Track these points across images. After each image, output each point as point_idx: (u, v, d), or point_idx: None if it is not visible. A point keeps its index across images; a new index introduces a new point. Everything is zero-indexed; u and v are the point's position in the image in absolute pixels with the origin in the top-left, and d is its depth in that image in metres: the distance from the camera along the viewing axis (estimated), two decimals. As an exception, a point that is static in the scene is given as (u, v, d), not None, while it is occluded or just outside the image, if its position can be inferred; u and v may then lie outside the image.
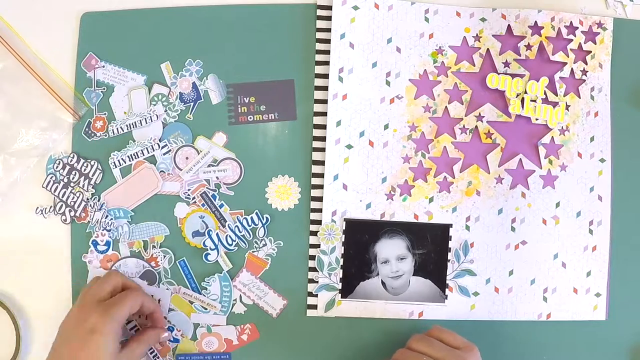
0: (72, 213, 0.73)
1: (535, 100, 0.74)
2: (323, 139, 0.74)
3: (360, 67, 0.74)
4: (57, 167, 0.73)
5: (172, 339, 0.73)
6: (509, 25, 0.75)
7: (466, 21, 0.75)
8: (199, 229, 0.73)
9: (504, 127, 0.75)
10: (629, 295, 0.76)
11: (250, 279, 0.73)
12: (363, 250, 0.74)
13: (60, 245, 0.73)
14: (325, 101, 0.74)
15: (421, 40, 0.75)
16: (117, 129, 0.73)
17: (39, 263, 0.73)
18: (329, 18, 0.74)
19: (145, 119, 0.73)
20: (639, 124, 0.77)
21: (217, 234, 0.73)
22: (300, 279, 0.74)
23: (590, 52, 0.76)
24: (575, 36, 0.75)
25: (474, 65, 0.75)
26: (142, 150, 0.73)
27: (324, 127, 0.74)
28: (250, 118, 0.74)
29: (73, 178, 0.73)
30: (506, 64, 0.75)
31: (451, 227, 0.74)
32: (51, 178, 0.73)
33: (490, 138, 0.75)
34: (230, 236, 0.73)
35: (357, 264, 0.74)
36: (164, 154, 0.73)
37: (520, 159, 0.75)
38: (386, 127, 0.74)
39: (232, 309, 0.73)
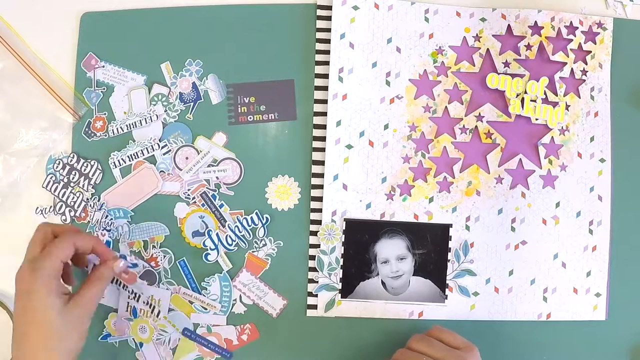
0: (72, 213, 0.73)
1: (535, 100, 0.74)
2: (323, 139, 0.74)
3: (360, 67, 0.74)
4: (57, 167, 0.73)
5: (131, 264, 0.69)
6: (509, 25, 0.75)
7: (466, 21, 0.75)
8: (198, 229, 0.73)
9: (504, 127, 0.75)
10: (629, 295, 0.76)
11: (250, 279, 0.73)
12: (363, 250, 0.74)
13: (60, 245, 0.73)
14: (325, 101, 0.74)
15: (421, 40, 0.75)
16: (117, 129, 0.73)
17: (39, 263, 0.73)
18: (329, 18, 0.74)
19: (145, 119, 0.73)
20: (639, 124, 0.77)
21: (217, 234, 0.73)
22: (300, 279, 0.74)
23: (590, 52, 0.76)
24: (575, 36, 0.75)
25: (474, 65, 0.75)
26: (142, 150, 0.73)
27: (324, 127, 0.74)
28: (250, 118, 0.74)
29: (73, 178, 0.73)
30: (506, 64, 0.75)
31: (451, 227, 0.74)
32: (51, 178, 0.73)
33: (490, 138, 0.75)
34: (230, 236, 0.73)
35: (357, 264, 0.74)
36: (164, 154, 0.73)
37: (520, 159, 0.75)
38: (386, 127, 0.74)
39: (232, 309, 0.73)
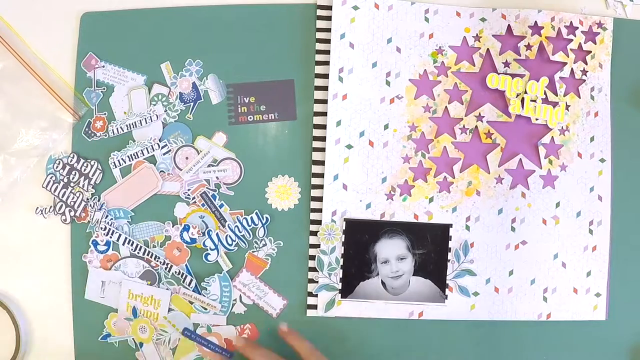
0: (72, 213, 0.73)
1: (535, 100, 0.74)
2: (323, 139, 0.74)
3: (360, 67, 0.74)
4: (57, 167, 0.73)
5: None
6: (509, 25, 0.75)
7: (466, 21, 0.75)
8: (199, 229, 0.73)
9: (504, 127, 0.75)
10: (629, 295, 0.76)
11: (250, 279, 0.73)
12: (363, 250, 0.74)
13: (60, 245, 0.73)
14: (325, 101, 0.74)
15: (421, 40, 0.75)
16: (117, 129, 0.73)
17: (39, 263, 0.73)
18: (329, 18, 0.74)
19: (145, 119, 0.73)
20: (639, 124, 0.77)
21: (217, 234, 0.73)
22: (300, 279, 0.74)
23: (590, 52, 0.75)
24: (575, 36, 0.75)
25: (474, 65, 0.75)
26: (142, 150, 0.73)
27: (324, 127, 0.74)
28: (250, 118, 0.74)
29: (73, 178, 0.73)
30: (506, 64, 0.75)
31: (451, 227, 0.74)
32: (51, 178, 0.73)
33: (490, 138, 0.75)
34: (230, 236, 0.73)
35: (357, 264, 0.74)
36: (164, 154, 0.73)
37: (520, 159, 0.75)
38: (386, 127, 0.74)
39: (232, 309, 0.73)
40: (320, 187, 0.74)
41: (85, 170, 0.73)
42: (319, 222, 0.74)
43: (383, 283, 0.74)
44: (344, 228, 0.73)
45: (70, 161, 0.73)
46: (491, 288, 0.75)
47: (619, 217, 0.76)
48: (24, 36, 0.74)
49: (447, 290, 0.74)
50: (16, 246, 0.74)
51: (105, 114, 0.74)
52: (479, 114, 0.75)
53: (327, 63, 0.74)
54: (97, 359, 0.73)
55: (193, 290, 0.73)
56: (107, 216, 0.73)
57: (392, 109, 0.74)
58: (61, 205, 0.73)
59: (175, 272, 0.73)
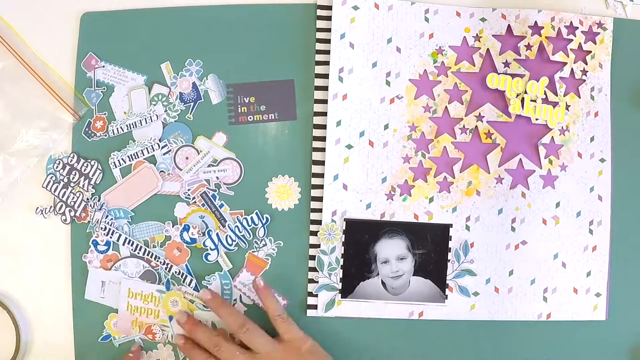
0: (72, 213, 0.73)
1: (535, 100, 0.74)
2: (323, 139, 0.74)
3: (360, 67, 0.74)
4: (57, 167, 0.73)
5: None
6: (509, 25, 0.75)
7: (466, 21, 0.75)
8: (199, 229, 0.73)
9: (504, 127, 0.75)
10: (629, 295, 0.76)
11: (250, 279, 0.73)
12: (363, 250, 0.74)
13: (60, 245, 0.73)
14: (325, 101, 0.74)
15: (421, 40, 0.75)
16: (117, 129, 0.73)
17: (39, 263, 0.73)
18: (329, 18, 0.74)
19: (145, 119, 0.73)
20: (639, 124, 0.77)
21: (217, 234, 0.73)
22: (300, 279, 0.74)
23: (590, 52, 0.75)
24: (575, 36, 0.75)
25: (474, 65, 0.75)
26: (142, 150, 0.73)
27: (324, 127, 0.74)
28: (250, 118, 0.74)
29: (73, 178, 0.73)
30: (506, 64, 0.75)
31: (451, 227, 0.74)
32: (51, 178, 0.73)
33: (490, 138, 0.75)
34: (230, 236, 0.73)
35: (357, 264, 0.74)
36: (164, 154, 0.73)
37: (520, 159, 0.75)
38: (386, 127, 0.74)
39: (232, 309, 0.73)
40: (320, 187, 0.74)
41: (85, 170, 0.73)
42: (319, 222, 0.74)
43: (383, 283, 0.74)
44: (344, 228, 0.73)
45: (70, 161, 0.73)
46: (491, 288, 0.75)
47: (619, 217, 0.76)
48: (24, 36, 0.74)
49: (447, 290, 0.74)
50: (16, 246, 0.74)
51: (105, 114, 0.74)
52: (479, 114, 0.75)
53: (327, 63, 0.74)
54: (98, 359, 0.73)
55: (194, 289, 0.73)
56: (107, 216, 0.73)
57: (392, 109, 0.74)
58: (61, 205, 0.73)
59: (176, 272, 0.73)
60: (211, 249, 0.73)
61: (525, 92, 0.74)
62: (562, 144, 0.75)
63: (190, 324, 0.71)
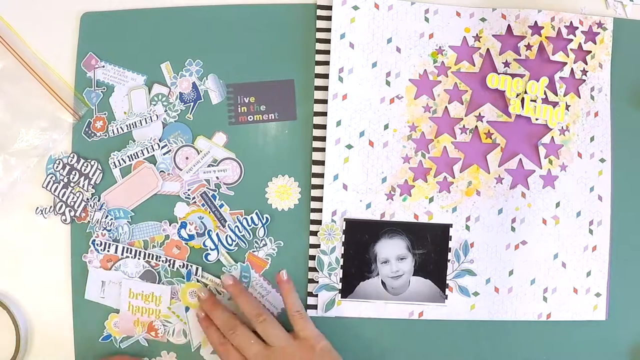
0: (72, 213, 0.73)
1: (535, 100, 0.74)
2: (323, 139, 0.74)
3: (360, 67, 0.74)
4: (57, 167, 0.73)
5: None
6: (509, 25, 0.75)
7: (466, 21, 0.75)
8: (196, 225, 0.73)
9: (504, 127, 0.75)
10: (629, 295, 0.76)
11: (253, 277, 0.73)
12: (363, 250, 0.74)
13: (60, 245, 0.73)
14: (325, 101, 0.74)
15: (421, 40, 0.75)
16: (117, 129, 0.73)
17: (39, 263, 0.73)
18: (329, 18, 0.74)
19: (145, 119, 0.73)
20: (639, 124, 0.77)
21: (217, 234, 0.73)
22: (300, 279, 0.74)
23: (590, 52, 0.75)
24: (575, 36, 0.75)
25: (474, 65, 0.75)
26: (142, 150, 0.73)
27: (324, 127, 0.74)
28: (250, 118, 0.74)
29: (73, 178, 0.73)
30: (506, 64, 0.75)
31: (451, 227, 0.74)
32: (51, 178, 0.73)
33: (490, 138, 0.75)
34: (230, 236, 0.73)
35: (357, 264, 0.74)
36: (164, 154, 0.73)
37: (520, 159, 0.75)
38: (386, 127, 0.74)
39: (232, 309, 0.73)
40: (320, 187, 0.74)
41: (85, 170, 0.73)
42: (319, 222, 0.74)
43: (383, 283, 0.74)
44: (344, 228, 0.73)
45: (70, 161, 0.73)
46: (491, 288, 0.75)
47: (619, 217, 0.76)
48: (24, 36, 0.74)
49: (447, 290, 0.74)
50: (16, 246, 0.74)
51: (105, 114, 0.74)
52: (479, 114, 0.75)
53: (327, 63, 0.74)
54: (98, 359, 0.73)
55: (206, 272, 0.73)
56: (107, 216, 0.73)
57: (392, 109, 0.74)
58: (61, 205, 0.73)
59: (180, 265, 0.72)
60: (211, 249, 0.73)
61: (525, 92, 0.74)
62: (562, 144, 0.75)
63: (211, 302, 0.71)
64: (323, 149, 0.74)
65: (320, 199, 0.74)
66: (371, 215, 0.74)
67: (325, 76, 0.74)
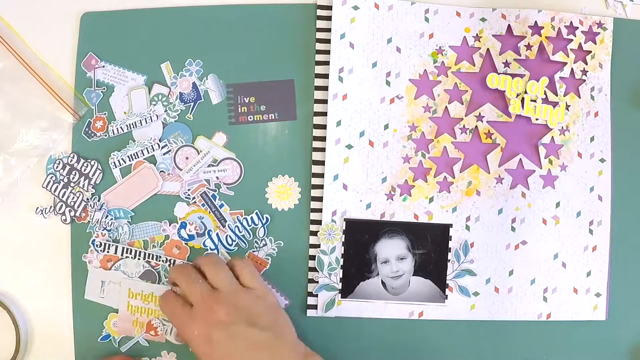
0: (72, 213, 0.73)
1: (535, 100, 0.74)
2: (323, 139, 0.74)
3: (360, 67, 0.74)
4: (57, 167, 0.73)
5: None
6: (509, 25, 0.75)
7: (466, 21, 0.75)
8: (196, 225, 0.73)
9: (504, 127, 0.75)
10: (629, 295, 0.76)
11: (250, 279, 0.73)
12: (363, 250, 0.74)
13: (60, 245, 0.73)
14: (325, 101, 0.74)
15: (421, 40, 0.75)
16: (117, 129, 0.73)
17: (39, 263, 0.73)
18: (329, 18, 0.74)
19: (145, 119, 0.73)
20: (639, 124, 0.77)
21: (217, 234, 0.73)
22: (300, 279, 0.74)
23: (590, 52, 0.76)
24: (575, 36, 0.75)
25: (474, 65, 0.75)
26: (142, 150, 0.73)
27: (324, 127, 0.74)
28: (250, 118, 0.74)
29: (73, 178, 0.73)
30: (506, 64, 0.75)
31: (451, 227, 0.74)
32: (51, 178, 0.73)
33: (490, 138, 0.75)
34: (230, 236, 0.73)
35: (357, 264, 0.74)
36: (164, 154, 0.73)
37: (520, 159, 0.75)
38: (386, 127, 0.74)
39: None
40: (320, 187, 0.74)
41: (85, 170, 0.73)
42: (319, 222, 0.74)
43: (383, 283, 0.74)
44: (344, 228, 0.73)
45: (70, 161, 0.73)
46: (491, 288, 0.75)
47: (619, 217, 0.76)
48: (24, 36, 0.74)
49: (447, 290, 0.74)
50: (16, 246, 0.74)
51: (105, 114, 0.74)
52: (479, 114, 0.75)
53: (327, 63, 0.74)
54: (98, 359, 0.73)
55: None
56: (107, 216, 0.73)
57: (392, 109, 0.74)
58: (61, 205, 0.73)
59: (180, 263, 0.72)
60: (211, 249, 0.73)
61: (525, 92, 0.74)
62: (562, 144, 0.75)
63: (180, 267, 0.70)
64: (323, 149, 0.74)
65: (320, 199, 0.74)
66: (371, 215, 0.74)
67: (325, 76, 0.74)
